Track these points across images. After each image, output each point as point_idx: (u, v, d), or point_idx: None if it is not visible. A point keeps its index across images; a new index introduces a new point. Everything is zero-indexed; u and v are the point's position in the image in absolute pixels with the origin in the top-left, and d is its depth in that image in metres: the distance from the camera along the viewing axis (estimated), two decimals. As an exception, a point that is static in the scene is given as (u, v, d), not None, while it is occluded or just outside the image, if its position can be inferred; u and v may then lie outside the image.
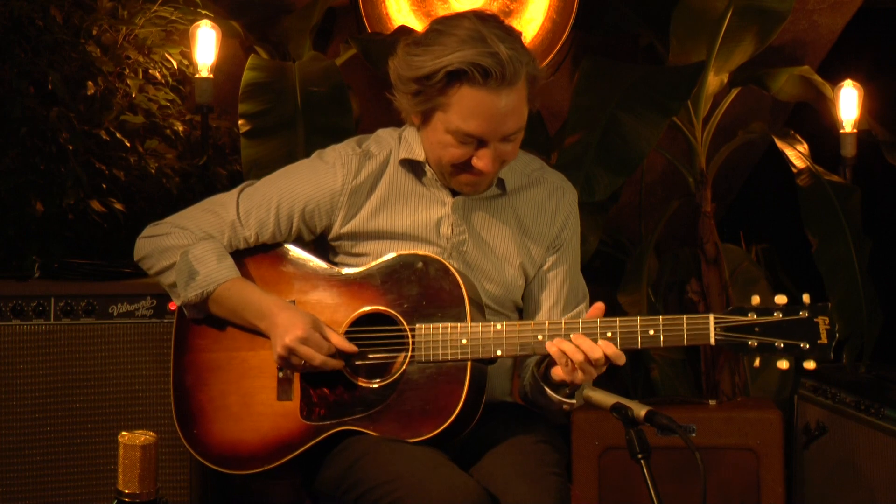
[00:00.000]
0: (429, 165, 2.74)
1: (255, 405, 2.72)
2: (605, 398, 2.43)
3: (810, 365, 2.50)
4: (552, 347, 2.57)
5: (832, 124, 4.31)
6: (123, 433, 2.33)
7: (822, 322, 2.50)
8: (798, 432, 3.91)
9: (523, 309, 2.86)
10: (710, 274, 4.29)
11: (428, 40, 2.61)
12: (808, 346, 2.50)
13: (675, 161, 4.34)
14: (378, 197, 2.75)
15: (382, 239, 2.76)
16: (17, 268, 3.64)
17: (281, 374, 2.71)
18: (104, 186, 3.82)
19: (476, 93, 2.56)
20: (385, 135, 2.83)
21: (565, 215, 2.83)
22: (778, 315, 2.51)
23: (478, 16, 2.62)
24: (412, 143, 2.75)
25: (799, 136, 4.33)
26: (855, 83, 4.25)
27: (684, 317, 2.55)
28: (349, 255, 2.78)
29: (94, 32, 3.92)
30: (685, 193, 4.38)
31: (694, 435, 3.83)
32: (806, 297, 2.53)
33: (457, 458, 2.63)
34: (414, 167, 2.76)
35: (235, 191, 2.82)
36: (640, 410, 2.34)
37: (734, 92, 4.33)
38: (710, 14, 4.06)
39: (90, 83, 3.83)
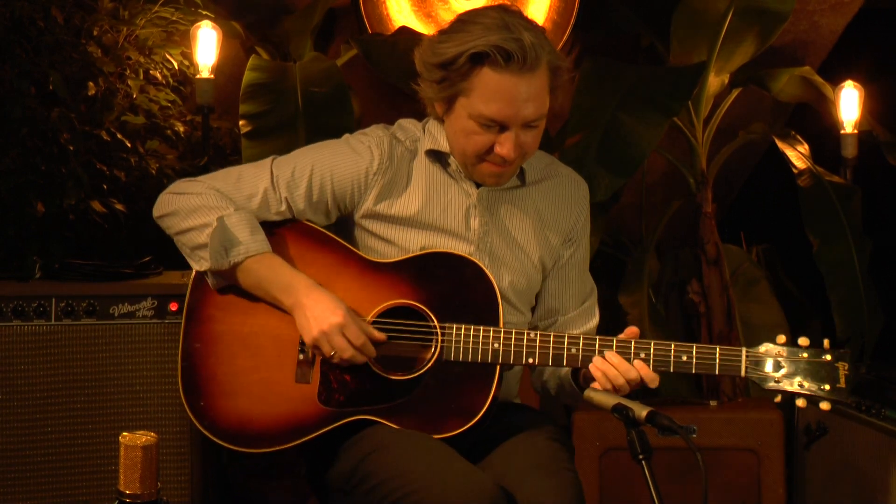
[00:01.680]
0: (453, 157, 2.77)
1: (269, 384, 2.69)
2: (607, 399, 2.43)
3: (825, 406, 2.63)
4: (596, 371, 2.62)
5: (833, 125, 4.30)
6: (124, 434, 2.33)
7: (842, 368, 2.62)
8: (799, 433, 3.91)
9: (542, 301, 2.88)
10: (711, 274, 4.29)
11: (453, 29, 2.68)
12: (829, 388, 2.62)
13: (675, 162, 4.34)
14: (409, 184, 2.78)
15: (411, 226, 2.77)
16: (17, 268, 3.64)
17: (301, 357, 2.69)
18: (105, 187, 3.83)
19: (498, 76, 2.61)
20: (408, 124, 2.86)
21: (580, 206, 2.89)
22: (804, 356, 2.63)
23: (503, 8, 2.68)
24: (436, 135, 2.79)
25: (800, 137, 4.33)
26: (856, 84, 4.25)
27: (717, 347, 2.65)
28: (376, 238, 2.79)
29: (95, 33, 3.92)
30: (686, 194, 4.38)
31: (695, 435, 3.82)
32: (826, 343, 2.65)
33: (466, 455, 2.63)
34: (439, 158, 2.79)
35: (267, 160, 2.81)
36: (642, 411, 2.34)
37: (735, 92, 4.33)
38: (711, 15, 4.06)
39: (91, 84, 3.84)
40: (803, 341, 2.64)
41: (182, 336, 2.77)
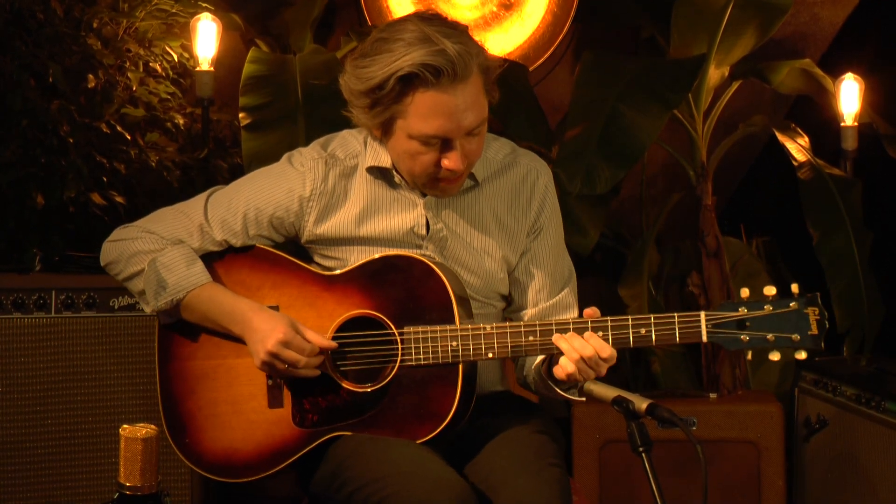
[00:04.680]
0: (396, 171, 2.70)
1: (246, 413, 2.70)
2: (606, 391, 2.43)
3: (801, 355, 2.53)
4: (563, 342, 2.55)
5: (833, 117, 4.30)
6: (125, 426, 2.33)
7: (812, 313, 2.53)
8: (799, 425, 3.91)
9: (511, 295, 2.83)
10: (711, 267, 4.29)
11: (374, 50, 2.58)
12: (799, 337, 2.52)
13: (676, 154, 4.34)
14: (349, 205, 2.72)
15: (358, 244, 2.73)
16: (18, 261, 3.64)
17: (270, 382, 2.69)
18: (105, 179, 3.83)
19: (431, 94, 2.53)
20: (350, 137, 2.78)
21: (541, 198, 2.79)
22: (768, 308, 2.53)
23: (420, 17, 2.59)
24: (378, 150, 2.72)
25: (800, 130, 4.33)
26: (856, 76, 4.25)
27: (675, 315, 2.55)
28: (326, 258, 2.76)
29: (95, 25, 3.92)
30: (686, 186, 4.38)
31: (695, 428, 3.83)
32: (794, 287, 2.55)
33: (452, 454, 2.62)
34: (383, 174, 2.72)
35: (203, 195, 2.77)
36: (641, 403, 2.33)
37: (735, 85, 4.33)
38: (712, 6, 4.06)
39: (91, 76, 3.84)
40: (768, 290, 2.54)
41: (158, 377, 2.77)
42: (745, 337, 2.53)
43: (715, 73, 4.20)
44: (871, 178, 4.31)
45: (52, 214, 3.74)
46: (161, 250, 2.70)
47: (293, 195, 2.72)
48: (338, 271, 2.70)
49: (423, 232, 2.72)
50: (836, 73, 4.28)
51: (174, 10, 4.06)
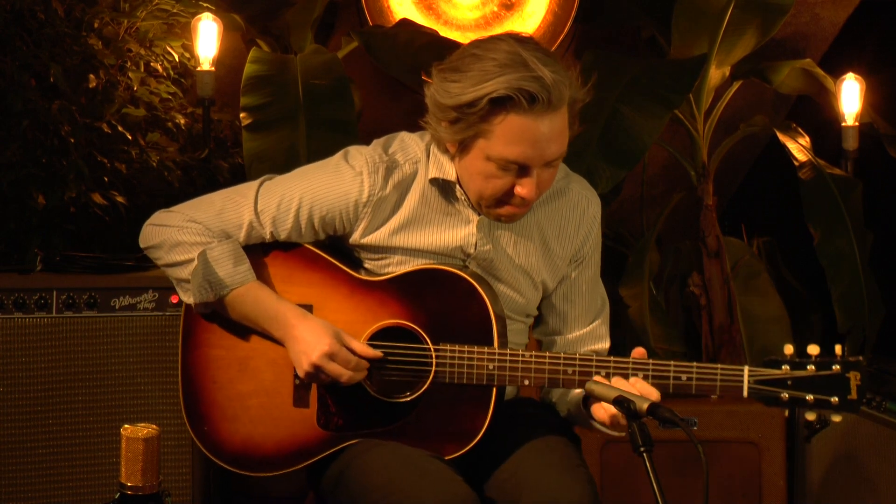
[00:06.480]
0: (459, 186, 2.65)
1: (269, 408, 2.68)
2: (608, 391, 2.43)
3: (837, 418, 2.53)
4: (599, 411, 2.55)
5: (834, 117, 4.31)
6: (126, 426, 2.33)
7: (854, 378, 2.49)
8: (800, 425, 3.91)
9: (542, 319, 2.83)
10: (712, 267, 4.29)
11: (465, 65, 2.50)
12: (837, 400, 2.50)
13: (676, 154, 4.34)
14: (403, 214, 2.67)
15: (405, 254, 2.69)
16: (19, 261, 3.64)
17: (297, 381, 2.66)
18: (106, 179, 3.83)
19: (521, 119, 2.47)
20: (411, 142, 2.71)
21: (588, 228, 2.79)
22: (811, 369, 2.50)
23: (515, 38, 2.54)
24: (442, 161, 2.65)
25: (801, 130, 4.33)
26: (857, 76, 4.25)
27: (719, 366, 2.55)
28: (368, 259, 2.72)
29: (96, 25, 3.92)
30: (687, 187, 4.39)
31: (696, 428, 3.82)
32: (838, 349, 2.53)
33: (470, 462, 2.61)
34: (445, 186, 2.67)
35: (255, 184, 2.72)
36: (643, 404, 2.33)
37: (736, 85, 4.33)
38: (713, 7, 4.06)
39: (92, 76, 3.83)
40: (812, 349, 2.52)
41: (180, 362, 2.74)
42: (784, 395, 2.51)
43: (716, 74, 4.20)
44: (871, 179, 4.32)
45: (53, 214, 3.74)
46: (208, 244, 2.66)
47: (349, 199, 2.65)
48: (377, 278, 2.67)
49: (472, 251, 2.69)
50: (836, 73, 4.28)
51: (175, 10, 4.06)
